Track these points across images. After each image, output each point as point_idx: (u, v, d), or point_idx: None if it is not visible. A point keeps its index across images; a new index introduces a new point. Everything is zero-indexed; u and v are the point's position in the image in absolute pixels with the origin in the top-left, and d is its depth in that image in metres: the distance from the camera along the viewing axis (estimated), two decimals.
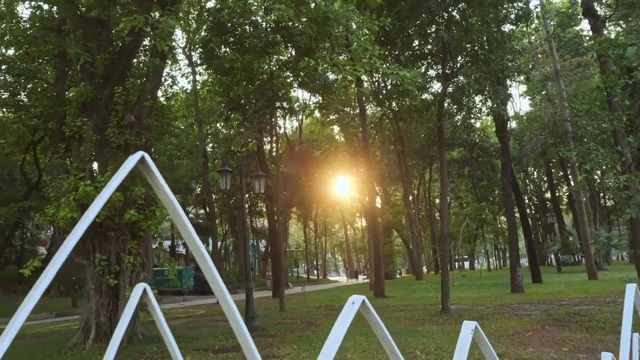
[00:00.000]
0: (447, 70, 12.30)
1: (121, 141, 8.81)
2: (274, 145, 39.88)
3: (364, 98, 22.78)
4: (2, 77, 18.93)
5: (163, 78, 15.23)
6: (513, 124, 44.20)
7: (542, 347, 7.07)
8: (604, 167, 6.68)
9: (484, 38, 11.86)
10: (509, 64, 12.10)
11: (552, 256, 40.10)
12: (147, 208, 9.13)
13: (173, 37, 25.77)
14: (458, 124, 14.31)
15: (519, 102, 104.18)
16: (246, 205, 43.28)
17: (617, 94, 7.24)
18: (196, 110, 22.65)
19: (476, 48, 12.11)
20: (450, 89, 12.27)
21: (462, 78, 11.88)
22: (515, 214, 18.39)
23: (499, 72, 11.35)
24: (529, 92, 38.09)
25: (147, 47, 10.33)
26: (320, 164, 39.68)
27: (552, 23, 31.34)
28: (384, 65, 8.46)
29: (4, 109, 22.17)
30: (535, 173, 48.73)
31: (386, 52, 11.99)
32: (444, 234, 12.35)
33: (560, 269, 28.11)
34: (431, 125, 35.73)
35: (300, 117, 36.44)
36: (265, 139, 40.53)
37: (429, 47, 12.97)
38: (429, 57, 12.79)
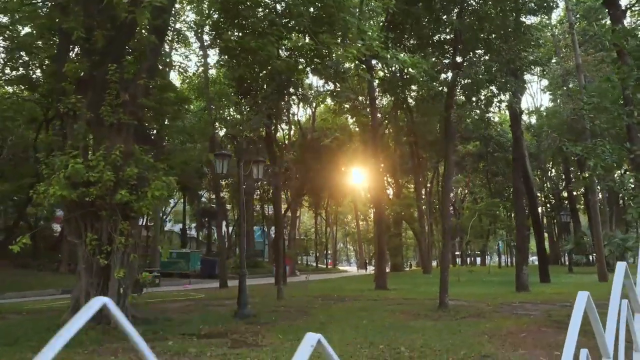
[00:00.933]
0: (457, 59, 11.86)
1: (114, 120, 8.69)
2: (285, 132, 39.82)
3: (376, 87, 22.33)
4: (17, 55, 19.10)
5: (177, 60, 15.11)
6: (533, 120, 43.18)
7: (533, 349, 6.78)
8: (610, 164, 6.28)
9: (498, 27, 11.37)
10: (523, 54, 11.56)
11: (567, 256, 39.25)
12: (140, 189, 9.03)
13: (182, 18, 25.40)
14: (471, 118, 13.81)
15: (540, 97, 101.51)
16: (257, 192, 42.95)
17: (629, 87, 6.80)
18: (206, 94, 22.50)
19: (490, 37, 11.62)
20: (460, 79, 11.83)
21: (472, 67, 11.41)
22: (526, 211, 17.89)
23: (511, 63, 10.85)
24: (550, 87, 36.98)
25: (146, 25, 10.14)
26: (333, 152, 39.34)
27: (577, 16, 30.21)
28: (384, 50, 8.11)
29: (19, 86, 22.43)
30: (553, 170, 47.60)
31: (392, 38, 11.55)
32: (444, 228, 12.01)
33: (571, 269, 27.45)
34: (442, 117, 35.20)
35: (313, 105, 36.18)
36: (278, 126, 40.48)
37: (440, 35, 12.51)
38: (440, 45, 12.31)
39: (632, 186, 6.03)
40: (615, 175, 6.10)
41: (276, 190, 21.57)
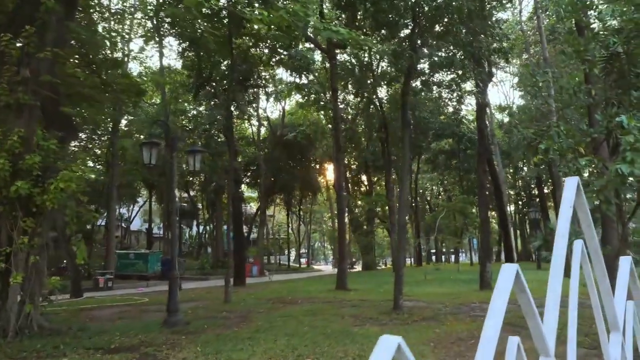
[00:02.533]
0: (417, 43, 11.01)
1: (11, 100, 7.51)
2: (255, 128, 38.63)
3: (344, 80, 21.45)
4: None
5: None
6: (506, 118, 42.98)
7: None
8: (563, 147, 5.50)
9: (458, 9, 10.57)
10: (484, 40, 10.78)
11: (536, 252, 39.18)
12: (45, 181, 7.87)
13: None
14: (429, 105, 12.99)
15: (513, 95, 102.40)
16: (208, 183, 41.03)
17: (586, 62, 6.05)
18: (160, 83, 21.24)
19: (449, 19, 10.80)
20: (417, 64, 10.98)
21: (429, 49, 10.59)
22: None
23: (469, 46, 10.06)
24: (520, 83, 36.77)
25: None
26: (304, 149, 38.33)
27: (547, 12, 29.93)
28: (319, 22, 7.20)
29: None
30: (525, 168, 47.65)
31: (345, 17, 10.67)
32: (400, 224, 11.18)
33: (539, 266, 27.06)
34: (417, 113, 34.63)
35: (281, 100, 35.10)
36: (248, 122, 39.23)
37: (397, 16, 11.62)
38: (397, 26, 11.43)
39: (587, 173, 5.29)
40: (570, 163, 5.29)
41: (236, 186, 20.45)
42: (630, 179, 4.95)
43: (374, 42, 11.18)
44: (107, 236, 28.85)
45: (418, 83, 11.81)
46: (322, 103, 25.61)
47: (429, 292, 15.08)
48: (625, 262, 1.75)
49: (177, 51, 22.22)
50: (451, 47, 10.31)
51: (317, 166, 44.10)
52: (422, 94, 32.76)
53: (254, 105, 35.24)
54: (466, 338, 7.30)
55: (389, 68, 12.98)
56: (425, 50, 10.45)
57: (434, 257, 61.07)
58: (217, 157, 26.10)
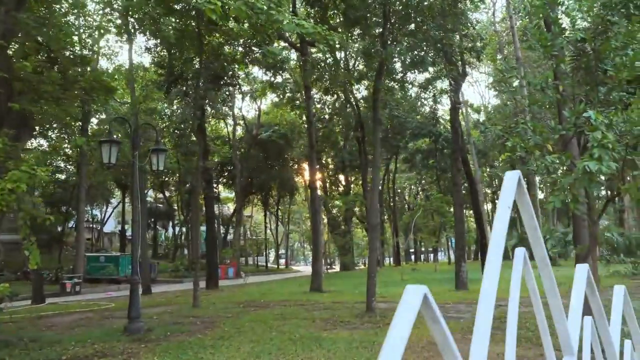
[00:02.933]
0: (388, 40, 10.80)
1: None
2: (224, 127, 38.07)
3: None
4: None
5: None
6: (482, 117, 43.42)
7: None
8: (530, 144, 5.33)
9: (429, 7, 10.40)
10: (455, 37, 10.62)
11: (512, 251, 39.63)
12: None
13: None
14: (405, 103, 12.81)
15: (489, 96, 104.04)
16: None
17: (553, 58, 5.92)
18: (129, 79, 20.59)
19: (420, 16, 10.61)
20: (388, 62, 10.76)
21: (398, 46, 10.38)
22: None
23: (438, 43, 9.90)
24: (494, 83, 37.18)
25: None
26: (281, 149, 37.92)
27: (519, 13, 30.29)
28: (283, 15, 6.89)
29: None
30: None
31: (314, 13, 10.40)
32: (372, 224, 10.96)
33: None
34: (395, 114, 34.61)
35: (255, 99, 34.64)
36: (223, 121, 38.60)
37: (368, 13, 11.40)
38: (367, 23, 11.19)
39: (557, 170, 5.13)
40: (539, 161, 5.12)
41: (207, 186, 19.97)
42: (601, 177, 4.81)
43: (348, 40, 10.95)
44: (76, 238, 27.91)
45: (393, 83, 11.55)
46: (297, 102, 25.30)
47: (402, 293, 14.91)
48: (582, 270, 1.45)
49: (146, 47, 21.63)
50: (422, 45, 10.14)
51: (295, 166, 43.73)
52: (400, 93, 32.95)
53: (229, 104, 34.76)
54: (428, 344, 7.10)
55: (364, 68, 12.79)
56: (397, 48, 10.24)
57: (413, 257, 61.49)
58: (192, 157, 25.52)
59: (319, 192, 42.15)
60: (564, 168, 5.35)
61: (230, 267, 34.00)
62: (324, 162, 41.14)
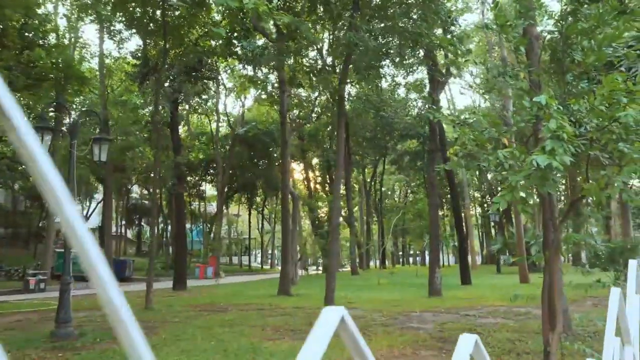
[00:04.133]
0: (356, 24, 10.06)
1: None
2: (209, 124, 37.20)
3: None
4: None
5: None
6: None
7: None
8: (483, 138, 4.63)
9: None
10: (424, 29, 9.86)
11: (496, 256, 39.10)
12: None
13: None
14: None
15: (478, 98, 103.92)
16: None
17: (512, 39, 5.23)
18: (100, 69, 19.75)
19: (388, 5, 9.87)
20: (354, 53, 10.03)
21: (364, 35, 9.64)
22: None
23: (405, 32, 9.16)
24: (481, 84, 36.59)
25: None
26: (266, 146, 37.12)
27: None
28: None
29: None
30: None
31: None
32: (333, 224, 10.22)
33: (499, 270, 26.79)
34: (383, 114, 33.93)
35: (243, 96, 33.82)
36: (207, 118, 37.74)
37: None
38: (331, 9, 10.44)
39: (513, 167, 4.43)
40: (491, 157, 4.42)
41: (179, 182, 19.15)
42: (559, 173, 4.11)
43: (314, 26, 10.25)
44: (46, 234, 26.90)
45: (362, 75, 10.85)
46: (277, 98, 24.53)
47: (374, 298, 14.21)
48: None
49: (121, 38, 20.76)
50: (387, 35, 9.46)
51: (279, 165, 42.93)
52: (389, 95, 32.30)
53: (206, 98, 33.91)
54: (386, 355, 6.38)
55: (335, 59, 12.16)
56: (362, 34, 9.51)
57: (389, 261, 60.62)
58: (165, 152, 24.68)
59: (301, 192, 41.51)
60: (520, 164, 4.63)
61: (209, 266, 33.20)
62: (310, 161, 40.45)
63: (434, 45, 10.86)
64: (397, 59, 9.89)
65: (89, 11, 19.46)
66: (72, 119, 9.15)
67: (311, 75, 20.51)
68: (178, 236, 20.14)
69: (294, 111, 28.04)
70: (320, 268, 47.56)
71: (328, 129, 34.55)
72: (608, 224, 30.81)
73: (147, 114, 21.61)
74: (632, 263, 2.06)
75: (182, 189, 19.44)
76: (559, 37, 5.44)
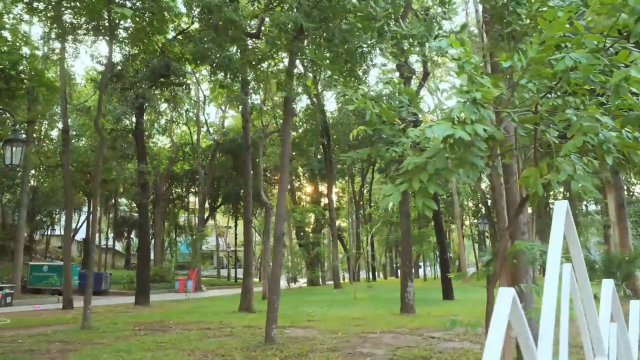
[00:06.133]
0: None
1: None
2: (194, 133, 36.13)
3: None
4: None
5: None
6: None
7: None
8: (391, 113, 3.52)
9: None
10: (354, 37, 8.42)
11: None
12: None
13: None
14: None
15: None
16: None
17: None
18: (61, 74, 18.73)
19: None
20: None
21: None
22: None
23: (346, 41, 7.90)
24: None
25: None
26: (252, 157, 35.98)
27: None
28: None
29: None
30: (486, 180, 46.64)
31: None
32: (277, 234, 9.05)
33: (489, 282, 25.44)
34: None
35: (218, 103, 32.78)
36: (189, 129, 36.68)
37: None
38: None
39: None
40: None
41: (142, 191, 17.97)
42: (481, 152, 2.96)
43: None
44: (16, 246, 25.57)
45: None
46: (252, 104, 23.50)
47: (340, 316, 12.95)
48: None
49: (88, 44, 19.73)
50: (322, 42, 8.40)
51: (269, 175, 41.80)
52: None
53: (194, 110, 32.86)
54: None
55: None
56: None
57: (395, 272, 59.18)
58: (129, 160, 23.49)
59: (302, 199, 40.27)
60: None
61: (189, 279, 31.87)
62: (294, 170, 39.33)
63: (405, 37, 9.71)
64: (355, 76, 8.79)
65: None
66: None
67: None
68: (140, 248, 18.92)
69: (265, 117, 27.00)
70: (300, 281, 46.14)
71: (308, 137, 33.53)
72: (607, 233, 29.55)
73: (109, 121, 20.55)
74: (606, 283, 1.86)
75: (145, 198, 18.23)
76: None
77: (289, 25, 7.90)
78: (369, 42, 8.17)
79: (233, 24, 9.42)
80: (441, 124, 2.44)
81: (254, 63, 10.09)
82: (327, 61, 8.38)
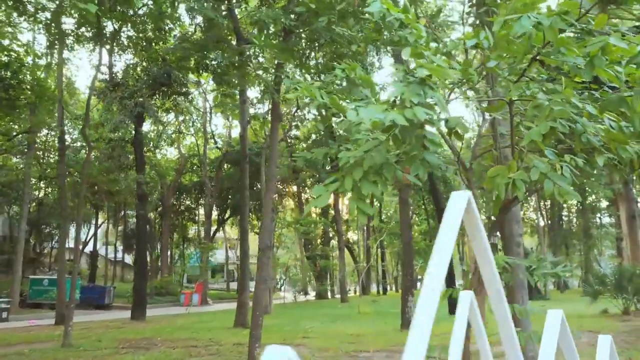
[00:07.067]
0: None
1: None
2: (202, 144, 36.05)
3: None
4: None
5: None
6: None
7: None
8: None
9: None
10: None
11: None
12: None
13: None
14: None
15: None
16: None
17: None
18: (59, 82, 18.67)
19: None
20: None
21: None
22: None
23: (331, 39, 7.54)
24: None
25: None
26: (259, 168, 35.75)
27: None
28: None
29: None
30: None
31: None
32: (262, 246, 8.56)
33: None
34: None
35: (223, 113, 32.65)
36: (196, 140, 36.63)
37: None
38: None
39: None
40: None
41: (140, 202, 17.70)
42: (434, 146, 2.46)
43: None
44: (15, 258, 25.43)
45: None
46: (255, 113, 23.26)
47: (338, 332, 12.35)
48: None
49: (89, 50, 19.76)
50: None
51: (279, 185, 41.41)
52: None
53: (201, 120, 32.81)
54: None
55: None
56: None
57: (414, 285, 57.62)
58: (128, 170, 23.30)
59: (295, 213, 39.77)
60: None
61: (195, 293, 31.44)
62: (303, 182, 38.93)
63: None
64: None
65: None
66: None
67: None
68: (137, 261, 18.59)
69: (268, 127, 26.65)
70: (313, 294, 45.39)
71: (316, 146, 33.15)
72: (619, 246, 28.44)
73: (106, 129, 20.45)
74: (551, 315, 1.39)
75: (143, 209, 17.95)
76: None
77: (270, 26, 7.55)
78: (356, 34, 7.61)
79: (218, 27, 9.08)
80: (370, 107, 1.97)
81: (236, 65, 9.68)
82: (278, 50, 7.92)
